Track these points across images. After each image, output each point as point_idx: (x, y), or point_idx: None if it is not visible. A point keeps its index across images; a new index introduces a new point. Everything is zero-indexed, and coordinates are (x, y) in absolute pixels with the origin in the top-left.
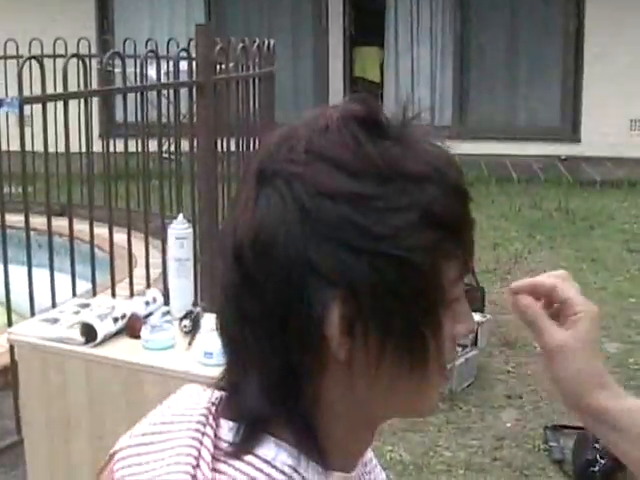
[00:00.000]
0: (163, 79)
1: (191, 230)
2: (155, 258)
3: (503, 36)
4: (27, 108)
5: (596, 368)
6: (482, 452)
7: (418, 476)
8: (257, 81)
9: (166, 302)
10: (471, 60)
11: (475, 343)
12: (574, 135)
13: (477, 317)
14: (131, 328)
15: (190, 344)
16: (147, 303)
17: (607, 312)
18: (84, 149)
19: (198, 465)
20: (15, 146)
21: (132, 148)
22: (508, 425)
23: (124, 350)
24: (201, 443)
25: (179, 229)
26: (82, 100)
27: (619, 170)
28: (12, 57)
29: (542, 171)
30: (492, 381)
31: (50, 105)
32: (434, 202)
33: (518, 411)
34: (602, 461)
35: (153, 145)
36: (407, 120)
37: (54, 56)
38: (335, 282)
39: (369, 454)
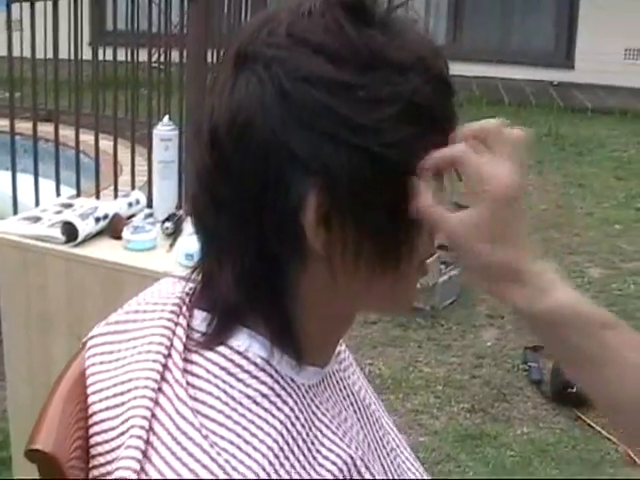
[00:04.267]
0: None
1: (176, 132)
2: (141, 166)
3: None
4: (16, 11)
5: (504, 259)
6: (461, 369)
7: (396, 390)
8: None
9: (150, 205)
10: None
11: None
12: (567, 61)
13: None
14: (113, 229)
15: (172, 246)
16: (130, 204)
17: (592, 238)
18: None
19: (170, 355)
20: (3, 51)
21: (122, 57)
22: (488, 344)
23: (105, 250)
24: (174, 333)
25: (164, 130)
26: (72, 2)
27: (611, 98)
28: None
29: (534, 96)
30: (475, 300)
31: (39, 8)
32: (417, 93)
33: (499, 331)
34: None
35: (143, 55)
36: (393, 8)
37: None
38: (312, 170)
39: (344, 353)
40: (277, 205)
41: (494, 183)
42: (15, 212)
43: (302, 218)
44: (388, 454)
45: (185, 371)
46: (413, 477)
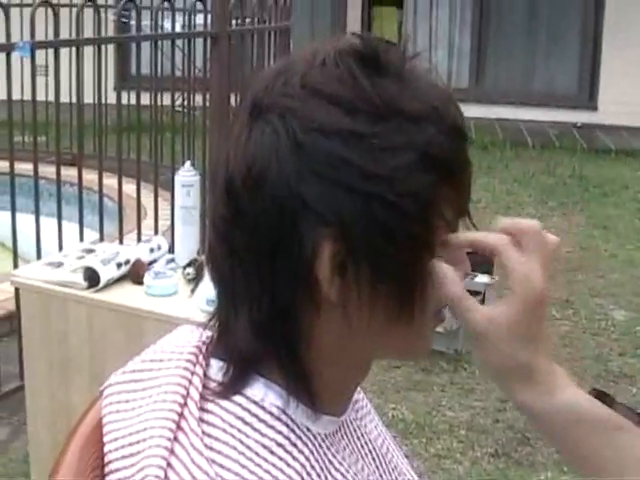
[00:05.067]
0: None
1: (198, 178)
2: (165, 210)
3: (522, 0)
4: (41, 57)
5: (519, 359)
6: (485, 413)
7: (419, 434)
8: (273, 35)
9: (171, 250)
10: (490, 24)
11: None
12: (591, 103)
13: (485, 279)
14: (134, 274)
15: (193, 292)
16: (152, 250)
17: (617, 280)
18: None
19: (186, 404)
20: (29, 95)
21: (146, 101)
22: None
23: (126, 295)
24: (190, 382)
25: (186, 176)
26: (96, 48)
27: (635, 139)
28: (27, 5)
29: (557, 138)
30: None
31: (64, 54)
32: (431, 142)
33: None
34: None
35: (167, 99)
36: (406, 58)
37: (70, 5)
38: (327, 220)
39: (362, 401)
40: (292, 255)
41: (527, 285)
42: (38, 256)
43: (316, 268)
44: None
45: (201, 420)
46: None
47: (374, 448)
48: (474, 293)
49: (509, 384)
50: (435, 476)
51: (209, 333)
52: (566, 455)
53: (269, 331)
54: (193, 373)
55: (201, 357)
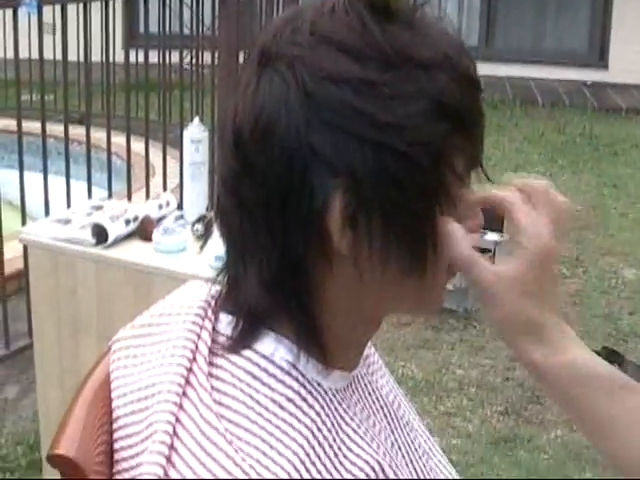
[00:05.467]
0: None
1: (207, 133)
2: (174, 168)
3: None
4: (48, 15)
5: (527, 314)
6: (494, 371)
7: (429, 392)
8: None
9: (180, 207)
10: None
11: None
12: (601, 61)
13: (495, 237)
14: (143, 231)
15: (202, 248)
16: (160, 206)
17: (627, 238)
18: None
19: (195, 358)
20: (36, 54)
21: (154, 59)
22: None
23: (135, 252)
24: (199, 336)
25: (195, 132)
26: (104, 5)
27: None
28: None
29: (567, 96)
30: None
31: (72, 10)
32: (443, 91)
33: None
34: None
35: (175, 57)
36: (418, 5)
37: None
38: (337, 170)
39: (373, 356)
40: (302, 207)
41: (536, 241)
42: (47, 214)
43: (327, 220)
44: (420, 457)
45: (210, 375)
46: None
47: (386, 404)
48: (484, 251)
49: (517, 340)
50: (444, 434)
51: (218, 288)
52: (571, 414)
53: (279, 285)
54: (202, 327)
55: (210, 311)
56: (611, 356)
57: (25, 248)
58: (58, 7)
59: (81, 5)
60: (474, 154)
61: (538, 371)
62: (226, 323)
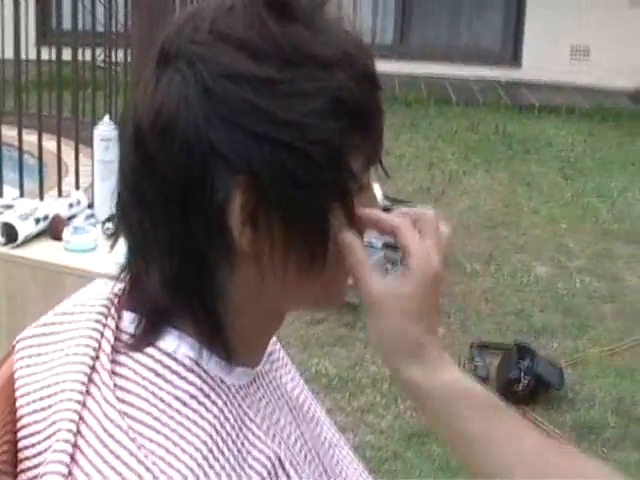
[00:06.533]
0: None
1: (116, 132)
2: (86, 167)
3: None
4: None
5: (409, 334)
6: None
7: (342, 389)
8: None
9: (91, 206)
10: None
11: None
12: (515, 60)
13: None
14: (53, 229)
15: (112, 247)
16: (71, 205)
17: (539, 236)
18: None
19: (97, 357)
20: None
21: (67, 57)
22: None
23: (45, 251)
24: (102, 335)
25: (105, 130)
26: (15, 2)
27: (558, 96)
28: None
29: (481, 94)
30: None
31: None
32: (342, 88)
33: (445, 329)
34: (525, 380)
35: (88, 54)
36: (318, 4)
37: None
38: (237, 168)
39: (278, 353)
40: (202, 204)
41: (425, 263)
42: None
43: (228, 217)
44: (327, 451)
45: (113, 373)
46: (353, 471)
47: (291, 399)
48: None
49: (397, 359)
50: (358, 430)
51: (121, 286)
52: (444, 432)
53: (181, 283)
54: (105, 325)
55: (113, 309)
56: (522, 352)
57: None
58: None
59: None
60: (373, 151)
61: (414, 389)
62: (129, 321)
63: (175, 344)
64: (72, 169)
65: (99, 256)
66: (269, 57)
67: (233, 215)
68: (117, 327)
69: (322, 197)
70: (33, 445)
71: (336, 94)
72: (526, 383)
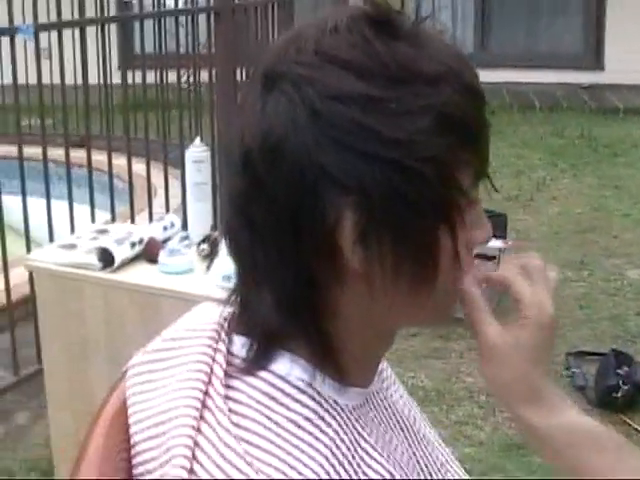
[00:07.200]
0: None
1: (208, 153)
2: (175, 188)
3: None
4: (45, 40)
5: (530, 380)
6: None
7: (439, 402)
8: (276, 7)
9: (185, 227)
10: None
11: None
12: (597, 63)
13: (499, 243)
14: (149, 252)
15: (208, 268)
16: (165, 228)
17: (630, 239)
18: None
19: (210, 381)
20: (34, 79)
21: (151, 80)
22: None
23: (142, 275)
24: (213, 359)
25: (196, 152)
26: (99, 28)
27: None
28: None
29: (564, 99)
30: (514, 307)
31: (67, 36)
32: (449, 104)
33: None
34: (624, 387)
35: (172, 77)
36: (419, 20)
37: None
38: (347, 188)
39: (387, 371)
40: (313, 225)
41: (539, 310)
42: (51, 240)
43: (339, 237)
44: (439, 469)
45: (227, 397)
46: None
47: (402, 418)
48: (490, 258)
49: (516, 404)
50: (457, 443)
51: (230, 309)
52: (568, 473)
53: (293, 305)
54: (216, 350)
55: (223, 334)
56: (620, 358)
57: (31, 274)
58: (54, 33)
59: (77, 30)
60: (481, 166)
61: (536, 434)
62: (240, 345)
63: (288, 367)
64: (161, 191)
65: (195, 278)
66: (375, 76)
67: (344, 235)
68: (229, 351)
69: (432, 214)
70: (149, 472)
71: (443, 110)
72: (625, 390)
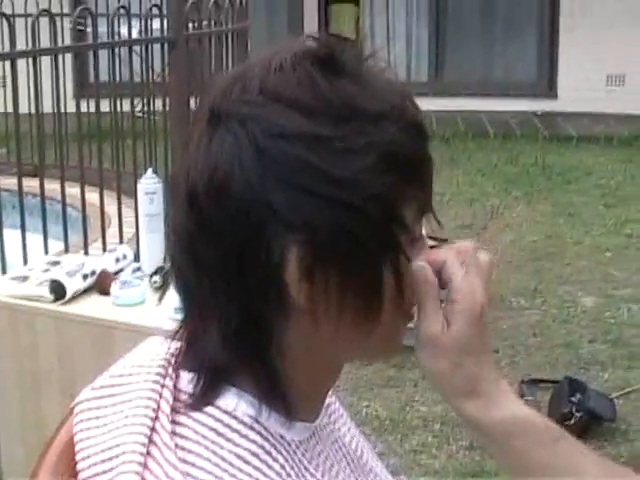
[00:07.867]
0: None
1: (161, 185)
2: (130, 217)
3: None
4: None
5: (465, 370)
6: None
7: (394, 431)
8: (230, 37)
9: (137, 258)
10: (447, 15)
11: None
12: (550, 91)
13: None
14: (101, 285)
15: (160, 300)
16: (117, 259)
17: (584, 266)
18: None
19: (157, 417)
20: None
21: (105, 108)
22: None
23: (94, 307)
24: (160, 395)
25: (148, 184)
26: (53, 57)
27: (596, 126)
28: None
29: (518, 127)
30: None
31: (21, 64)
32: (393, 141)
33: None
34: (578, 414)
35: (127, 105)
36: (363, 57)
37: (25, 15)
38: (293, 225)
39: (334, 405)
40: (259, 262)
41: (470, 297)
42: (3, 270)
43: (284, 273)
44: None
45: (173, 433)
46: None
47: (348, 452)
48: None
49: (455, 395)
50: (412, 472)
51: (177, 344)
52: (508, 465)
53: (239, 340)
54: (163, 386)
55: (170, 369)
56: (573, 386)
57: None
58: (8, 62)
59: (30, 59)
60: (425, 200)
61: (476, 425)
62: (187, 381)
63: (234, 402)
64: (115, 220)
65: (148, 309)
66: (319, 114)
67: (290, 271)
68: (175, 387)
69: (376, 251)
70: None
71: (387, 148)
72: (578, 418)
